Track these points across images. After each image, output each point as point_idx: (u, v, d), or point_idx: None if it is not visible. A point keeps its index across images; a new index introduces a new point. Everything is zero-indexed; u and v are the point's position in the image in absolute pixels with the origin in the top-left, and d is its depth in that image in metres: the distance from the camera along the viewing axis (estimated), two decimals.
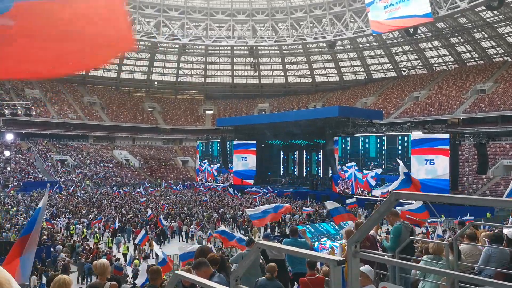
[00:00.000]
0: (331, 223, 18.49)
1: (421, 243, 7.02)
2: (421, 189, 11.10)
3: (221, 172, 46.93)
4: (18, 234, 18.66)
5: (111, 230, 21.06)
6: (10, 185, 40.20)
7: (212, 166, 48.24)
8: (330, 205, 14.45)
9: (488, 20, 48.40)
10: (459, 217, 19.53)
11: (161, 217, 22.85)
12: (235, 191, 36.58)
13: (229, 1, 57.82)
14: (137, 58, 67.11)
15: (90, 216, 24.85)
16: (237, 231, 24.29)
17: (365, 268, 4.12)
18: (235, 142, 45.35)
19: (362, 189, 33.17)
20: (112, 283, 4.95)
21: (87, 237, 20.88)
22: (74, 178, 45.78)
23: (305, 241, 7.09)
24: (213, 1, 57.95)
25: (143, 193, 36.24)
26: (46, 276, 11.48)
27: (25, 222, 20.02)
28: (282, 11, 57.44)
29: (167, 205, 29.38)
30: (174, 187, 37.85)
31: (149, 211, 25.09)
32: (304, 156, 46.80)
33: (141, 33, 55.44)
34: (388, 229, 10.79)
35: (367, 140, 33.97)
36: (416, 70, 61.08)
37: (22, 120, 46.58)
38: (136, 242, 17.88)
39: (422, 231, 15.28)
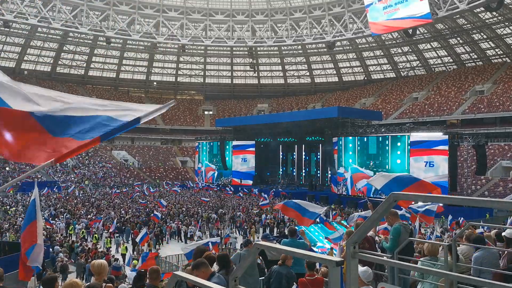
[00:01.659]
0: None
1: (419, 244, 7.02)
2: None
3: (222, 175, 46.85)
4: (17, 235, 18.65)
5: (110, 231, 21.05)
6: None
7: (211, 166, 48.18)
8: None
9: (487, 21, 48.48)
10: (460, 218, 19.55)
11: (157, 213, 23.25)
12: (235, 189, 36.49)
13: (229, 2, 57.82)
14: (136, 58, 67.07)
15: (89, 216, 24.87)
16: (236, 232, 24.29)
17: (360, 270, 4.05)
18: (234, 142, 45.29)
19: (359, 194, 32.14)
20: (107, 284, 4.97)
21: (85, 237, 20.88)
22: (73, 178, 45.73)
23: (303, 241, 7.10)
24: (213, 2, 57.94)
25: (146, 194, 36.18)
26: None
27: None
28: (281, 11, 57.45)
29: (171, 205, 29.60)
30: (176, 189, 37.92)
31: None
32: (303, 156, 46.78)
33: (140, 33, 55.39)
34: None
35: (366, 141, 33.96)
36: (415, 71, 61.14)
37: None
38: (137, 240, 17.89)
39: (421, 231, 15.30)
